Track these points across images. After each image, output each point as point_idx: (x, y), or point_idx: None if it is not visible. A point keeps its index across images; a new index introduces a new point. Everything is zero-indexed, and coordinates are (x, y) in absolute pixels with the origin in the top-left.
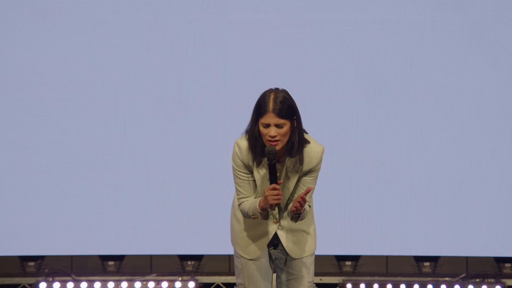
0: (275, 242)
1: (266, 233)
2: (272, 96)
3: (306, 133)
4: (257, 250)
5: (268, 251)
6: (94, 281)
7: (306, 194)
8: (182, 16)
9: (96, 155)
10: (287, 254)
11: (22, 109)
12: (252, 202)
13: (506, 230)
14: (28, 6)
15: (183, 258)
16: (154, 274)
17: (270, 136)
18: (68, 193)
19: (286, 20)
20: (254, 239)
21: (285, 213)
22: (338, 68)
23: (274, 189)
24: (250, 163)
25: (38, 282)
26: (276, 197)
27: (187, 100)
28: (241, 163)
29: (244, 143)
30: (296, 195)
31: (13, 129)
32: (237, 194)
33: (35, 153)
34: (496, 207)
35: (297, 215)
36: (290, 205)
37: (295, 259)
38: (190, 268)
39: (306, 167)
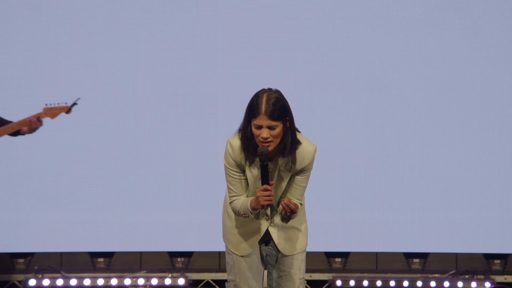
0: (266, 239)
1: (258, 230)
2: (264, 98)
3: (299, 132)
4: (248, 247)
5: (260, 247)
6: (83, 277)
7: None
8: (175, 13)
9: (85, 153)
10: (278, 251)
11: (13, 106)
12: (243, 201)
13: (496, 226)
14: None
15: (173, 255)
16: (144, 271)
17: (262, 138)
18: (58, 190)
19: (280, 17)
20: (246, 236)
21: (277, 210)
22: (335, 65)
23: (266, 190)
24: (243, 162)
25: (27, 279)
26: (267, 198)
27: (177, 97)
28: (233, 162)
29: (236, 142)
30: (288, 194)
31: None
32: (229, 192)
33: (25, 151)
34: (485, 204)
35: (287, 217)
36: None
37: (286, 256)
38: (180, 265)
39: (298, 166)
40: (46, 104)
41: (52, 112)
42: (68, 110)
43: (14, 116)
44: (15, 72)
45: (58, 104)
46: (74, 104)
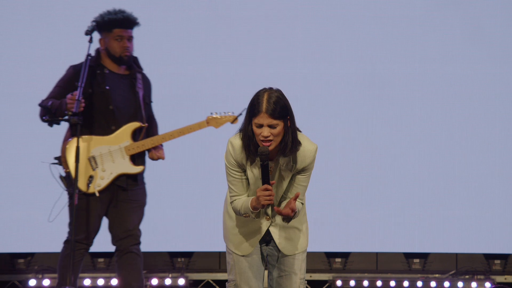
0: (267, 238)
1: (258, 229)
2: (265, 96)
3: (300, 131)
4: (249, 247)
5: (260, 247)
6: (84, 277)
7: (295, 199)
8: (175, 12)
9: None
10: (279, 250)
11: (9, 105)
12: (244, 201)
13: (496, 226)
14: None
15: (173, 255)
16: (144, 271)
17: (263, 136)
18: (58, 189)
19: (281, 16)
20: (247, 235)
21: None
22: (335, 65)
23: (266, 189)
24: (244, 162)
25: (27, 279)
26: (268, 197)
27: (177, 97)
28: (234, 162)
29: (237, 142)
30: (289, 193)
31: (2, 124)
32: (230, 192)
33: (25, 149)
34: (486, 204)
35: (288, 218)
36: (284, 203)
37: (287, 256)
38: (180, 265)
39: (299, 165)
40: (211, 113)
41: (217, 121)
42: (234, 119)
43: (5, 113)
44: (9, 69)
45: (225, 113)
46: (240, 114)
